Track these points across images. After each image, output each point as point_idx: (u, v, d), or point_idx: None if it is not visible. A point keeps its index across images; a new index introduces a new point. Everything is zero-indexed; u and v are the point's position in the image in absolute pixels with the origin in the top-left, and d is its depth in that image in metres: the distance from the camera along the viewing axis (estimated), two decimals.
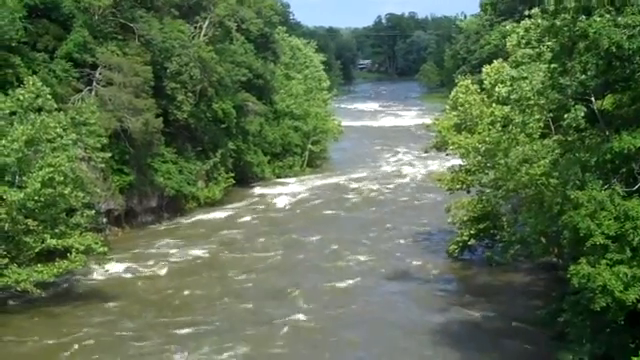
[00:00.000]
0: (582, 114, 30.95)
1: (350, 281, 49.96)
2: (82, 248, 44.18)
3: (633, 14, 28.49)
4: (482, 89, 50.86)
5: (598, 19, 28.86)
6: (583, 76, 30.44)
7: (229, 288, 49.08)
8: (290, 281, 49.96)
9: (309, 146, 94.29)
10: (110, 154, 54.56)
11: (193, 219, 67.67)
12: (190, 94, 69.09)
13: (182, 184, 67.32)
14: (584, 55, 29.91)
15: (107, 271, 50.64)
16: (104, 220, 59.05)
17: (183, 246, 58.29)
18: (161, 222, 66.09)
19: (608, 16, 28.99)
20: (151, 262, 54.23)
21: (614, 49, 28.48)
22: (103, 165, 54.00)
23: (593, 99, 31.68)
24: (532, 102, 35.93)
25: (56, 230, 44.06)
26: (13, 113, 44.97)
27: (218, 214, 69.34)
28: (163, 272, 52.39)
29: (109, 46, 62.35)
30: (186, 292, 48.28)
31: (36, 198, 42.24)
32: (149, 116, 60.82)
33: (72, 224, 45.10)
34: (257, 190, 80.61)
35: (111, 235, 59.64)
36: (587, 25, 29.08)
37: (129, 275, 51.64)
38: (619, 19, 28.54)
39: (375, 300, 46.66)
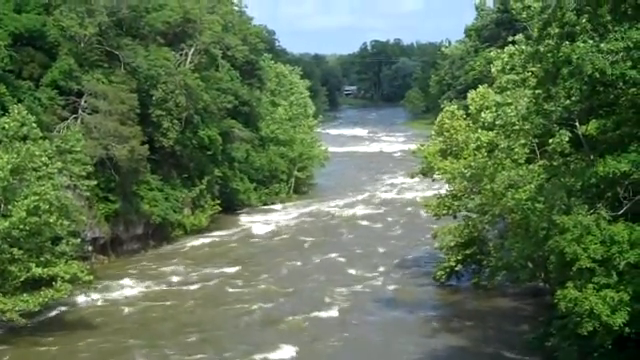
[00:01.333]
0: (567, 139, 31.23)
1: (338, 308, 49.88)
2: (68, 277, 43.96)
3: (616, 40, 28.77)
4: (467, 115, 51.17)
5: (582, 45, 29.14)
6: (567, 101, 30.69)
7: (216, 317, 48.89)
8: (278, 310, 49.83)
9: (295, 172, 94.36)
10: (96, 182, 54.52)
11: (179, 247, 67.50)
12: (176, 121, 69.08)
13: (168, 211, 67.20)
14: (568, 81, 30.17)
15: (93, 300, 50.43)
16: (90, 248, 58.82)
17: (169, 274, 58.09)
18: (147, 250, 65.85)
19: (591, 42, 29.27)
20: (137, 290, 54.04)
21: (597, 75, 28.73)
22: (88, 193, 53.94)
23: (577, 124, 31.95)
24: (517, 127, 36.20)
25: (41, 259, 43.85)
26: None
27: (204, 242, 69.20)
28: (149, 301, 52.14)
29: (95, 74, 62.42)
30: (173, 321, 48.11)
31: (21, 227, 42.12)
32: (135, 143, 60.84)
33: (57, 252, 44.90)
34: (243, 217, 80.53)
35: (97, 263, 59.42)
36: (571, 51, 29.36)
37: (115, 304, 51.33)
38: (602, 45, 28.82)
39: (362, 327, 46.60)
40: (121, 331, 46.14)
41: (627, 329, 29.21)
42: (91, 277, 45.86)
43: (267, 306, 50.73)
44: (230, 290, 54.59)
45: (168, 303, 51.63)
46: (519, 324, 44.85)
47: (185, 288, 55.15)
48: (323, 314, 49.01)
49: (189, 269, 59.68)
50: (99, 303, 50.84)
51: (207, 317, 48.93)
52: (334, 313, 49.09)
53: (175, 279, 57.02)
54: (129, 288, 54.46)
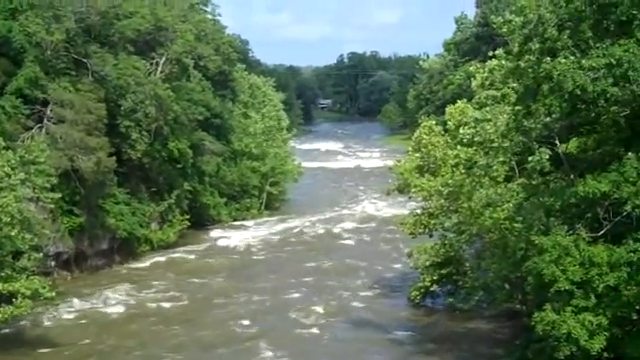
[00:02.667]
0: (547, 157, 31.37)
1: (308, 330, 49.73)
2: (29, 293, 43.44)
3: (598, 57, 28.99)
4: (446, 130, 51.30)
5: (563, 61, 29.36)
6: (547, 119, 30.91)
7: (182, 336, 48.50)
8: (245, 331, 49.54)
9: (267, 187, 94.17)
10: (60, 194, 53.99)
11: (146, 263, 67.11)
12: (145, 133, 68.79)
13: (135, 226, 66.81)
14: (548, 97, 30.38)
15: (55, 317, 49.96)
16: (52, 263, 58.41)
17: (135, 291, 57.73)
18: (112, 266, 65.42)
19: (573, 58, 29.50)
20: (100, 308, 53.66)
21: (578, 92, 28.95)
22: (52, 206, 53.42)
23: (558, 142, 32.16)
24: (496, 145, 36.40)
25: (1, 274, 43.35)
26: None
27: (172, 258, 68.84)
28: (112, 318, 51.81)
29: (61, 82, 62.03)
30: (135, 340, 47.73)
31: None
32: (101, 155, 60.47)
33: (18, 268, 44.38)
34: (213, 233, 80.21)
35: (59, 279, 58.96)
36: (552, 67, 29.57)
37: (78, 321, 50.87)
38: (584, 61, 29.03)
39: (333, 347, 46.44)
40: (82, 351, 45.63)
41: (605, 354, 29.32)
42: (53, 293, 45.38)
43: (232, 326, 50.46)
44: (197, 308, 54.28)
45: (132, 321, 51.25)
46: (495, 347, 44.84)
47: (151, 305, 54.78)
48: (292, 333, 48.90)
49: (155, 286, 59.31)
50: (60, 320, 50.35)
51: (172, 336, 48.52)
52: (303, 333, 48.92)
53: (140, 296, 56.63)
54: (92, 305, 54.02)
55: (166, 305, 55.06)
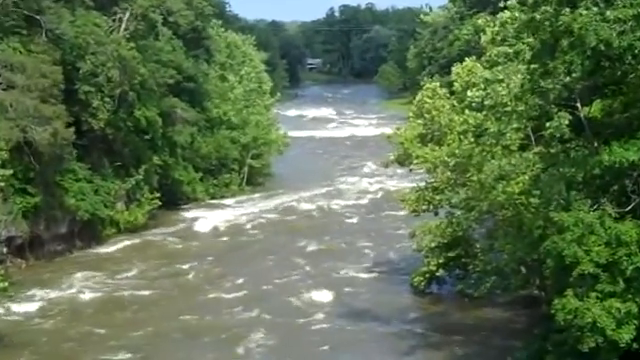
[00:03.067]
0: (566, 122, 31.37)
1: (301, 320, 49.97)
2: None
3: (624, 7, 28.91)
4: (452, 93, 51.30)
5: (584, 12, 29.28)
6: (567, 78, 30.85)
7: (148, 331, 48.56)
8: (226, 324, 49.71)
9: (249, 161, 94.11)
10: (11, 171, 53.89)
11: (111, 248, 67.18)
12: (107, 99, 68.63)
13: (98, 206, 66.75)
14: (568, 54, 30.32)
15: (8, 309, 49.99)
16: (4, 250, 58.37)
17: (98, 281, 57.80)
18: (73, 251, 65.45)
19: (595, 9, 29.42)
20: (59, 299, 53.73)
21: (602, 47, 28.90)
22: (2, 184, 53.31)
23: (579, 105, 32.14)
24: (509, 108, 36.34)
25: None
26: None
27: (141, 242, 68.97)
28: (72, 311, 51.86)
29: (11, 42, 61.80)
30: (108, 329, 47.93)
31: None
32: (58, 125, 60.23)
33: None
34: (187, 214, 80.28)
35: (13, 267, 58.92)
36: (571, 19, 29.50)
37: (30, 315, 50.92)
38: (608, 13, 28.96)
39: (329, 342, 46.57)
40: (35, 348, 45.66)
41: (635, 345, 29.49)
42: (6, 283, 45.38)
43: (216, 314, 50.77)
44: (170, 300, 54.40)
45: (96, 313, 51.40)
46: (510, 339, 45.03)
47: (120, 294, 55.02)
48: (283, 322, 49.14)
49: (121, 274, 59.45)
50: (15, 314, 50.36)
51: (136, 331, 48.59)
52: (294, 325, 49.12)
53: (107, 284, 56.82)
54: (49, 296, 54.11)
55: (132, 295, 55.17)
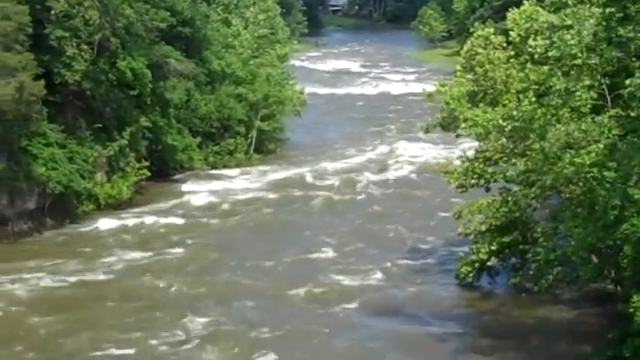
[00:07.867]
0: None
1: (326, 317, 50.39)
2: None
3: None
4: (508, 43, 51.32)
5: None
6: None
7: (129, 327, 49.10)
8: (240, 319, 50.30)
9: (258, 123, 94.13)
10: None
11: (88, 228, 67.59)
12: (85, 47, 68.86)
13: (73, 177, 66.93)
14: None
15: None
16: None
17: (71, 268, 58.30)
18: (42, 232, 65.96)
19: None
20: (23, 289, 54.34)
21: None
22: None
23: None
24: (579, 61, 36.42)
25: None
26: None
27: (125, 221, 69.20)
28: (38, 302, 52.49)
29: None
30: (84, 322, 48.60)
31: None
32: (25, 78, 60.56)
33: None
34: (183, 186, 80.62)
35: None
36: None
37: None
38: None
39: (360, 341, 46.98)
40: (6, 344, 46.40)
41: None
42: None
43: (222, 314, 51.21)
44: (162, 291, 54.96)
45: (71, 307, 51.96)
46: (578, 343, 45.33)
47: (95, 286, 55.50)
48: (306, 323, 49.56)
49: (99, 260, 59.96)
50: None
51: (112, 327, 49.19)
52: (319, 324, 49.42)
53: (80, 274, 57.21)
54: (12, 287, 54.69)
55: (114, 285, 55.99)
